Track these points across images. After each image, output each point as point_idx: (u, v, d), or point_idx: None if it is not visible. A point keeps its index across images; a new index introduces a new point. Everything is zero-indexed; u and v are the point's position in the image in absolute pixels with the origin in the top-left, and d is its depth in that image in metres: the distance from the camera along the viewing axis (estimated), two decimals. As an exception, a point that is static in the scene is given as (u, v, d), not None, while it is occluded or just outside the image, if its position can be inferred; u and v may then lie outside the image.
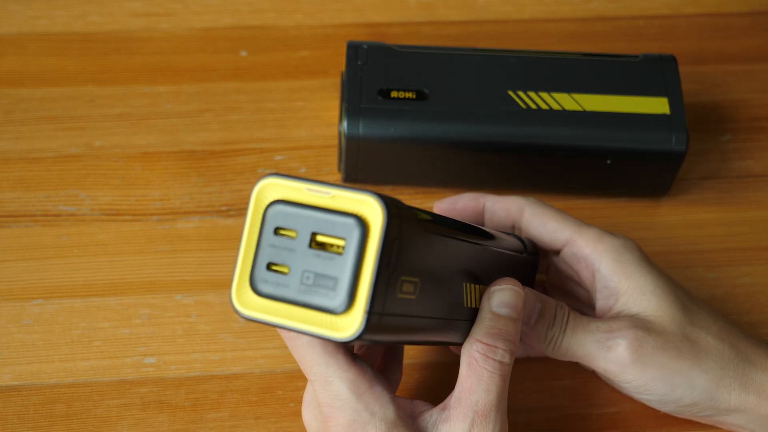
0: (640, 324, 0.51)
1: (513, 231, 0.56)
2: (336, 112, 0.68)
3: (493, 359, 0.46)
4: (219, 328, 0.59)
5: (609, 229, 0.64)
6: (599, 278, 0.53)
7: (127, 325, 0.59)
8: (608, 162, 0.62)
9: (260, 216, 0.40)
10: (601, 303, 0.53)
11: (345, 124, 0.60)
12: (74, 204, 0.63)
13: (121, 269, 0.61)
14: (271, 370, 0.57)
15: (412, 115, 0.61)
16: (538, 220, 0.55)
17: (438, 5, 0.74)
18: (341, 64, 0.70)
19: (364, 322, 0.37)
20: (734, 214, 0.65)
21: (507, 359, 0.46)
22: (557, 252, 0.55)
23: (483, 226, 0.54)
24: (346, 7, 0.74)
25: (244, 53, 0.71)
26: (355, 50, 0.63)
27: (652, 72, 0.63)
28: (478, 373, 0.45)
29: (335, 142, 0.67)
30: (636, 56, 0.64)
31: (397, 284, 0.39)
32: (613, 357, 0.50)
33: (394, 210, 0.38)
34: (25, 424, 0.55)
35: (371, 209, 0.37)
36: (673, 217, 0.65)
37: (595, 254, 0.53)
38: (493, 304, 0.47)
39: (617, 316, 0.52)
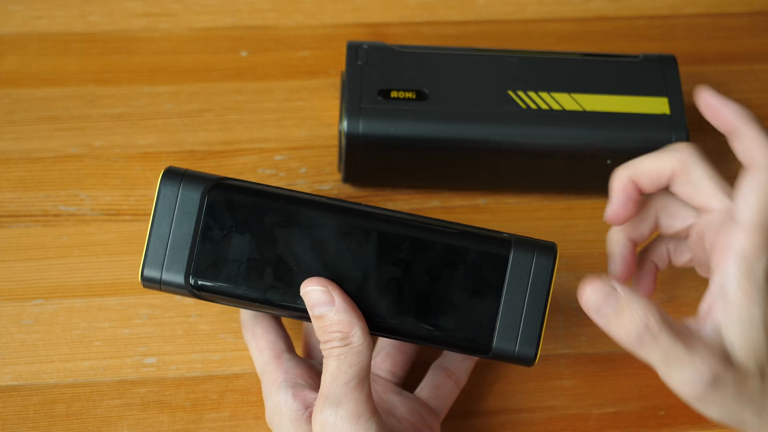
0: (725, 368, 0.47)
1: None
2: (336, 112, 0.68)
3: (330, 350, 0.48)
4: (219, 328, 0.59)
5: (608, 229, 0.64)
6: (720, 276, 0.48)
7: (127, 325, 0.59)
8: (608, 162, 0.62)
9: None
10: (709, 298, 0.49)
11: (345, 124, 0.60)
12: (74, 204, 0.63)
13: (121, 269, 0.61)
14: (271, 370, 0.57)
15: (412, 115, 0.61)
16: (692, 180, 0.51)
17: (438, 5, 0.74)
18: (341, 64, 0.70)
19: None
20: (734, 214, 0.65)
21: (343, 346, 0.48)
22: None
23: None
24: (346, 7, 0.74)
25: (244, 53, 0.71)
26: (355, 50, 0.63)
27: (652, 72, 0.63)
28: (326, 363, 0.48)
29: (335, 142, 0.67)
30: (636, 56, 0.64)
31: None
32: (681, 381, 0.47)
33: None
34: (25, 424, 0.55)
35: None
36: (673, 217, 0.65)
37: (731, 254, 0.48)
38: (309, 308, 0.49)
39: (711, 341, 0.48)
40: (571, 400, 0.58)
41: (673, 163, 0.52)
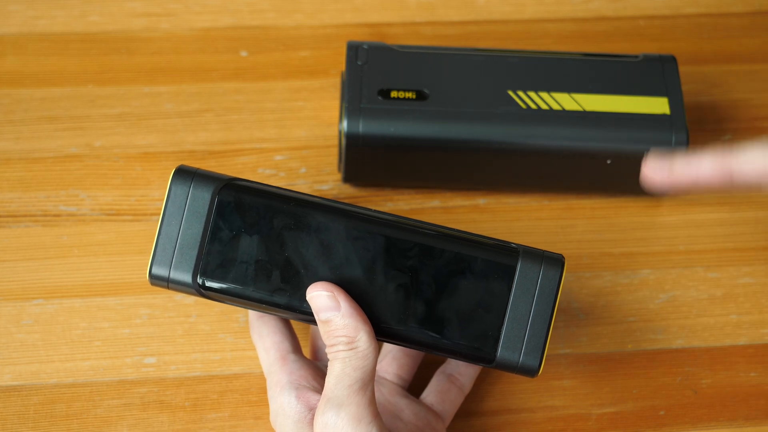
0: None
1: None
2: (336, 112, 0.68)
3: (335, 353, 0.48)
4: (219, 328, 0.59)
5: (608, 229, 0.64)
6: None
7: (127, 325, 0.59)
8: (608, 162, 0.62)
9: None
10: None
11: (345, 123, 0.60)
12: (74, 204, 0.63)
13: (121, 269, 0.61)
14: (271, 370, 0.57)
15: (412, 115, 0.61)
16: None
17: (438, 5, 0.74)
18: (341, 64, 0.70)
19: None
20: (734, 214, 0.65)
21: (349, 350, 0.48)
22: None
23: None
24: (346, 7, 0.74)
25: (244, 53, 0.71)
26: (355, 50, 0.63)
27: (652, 72, 0.63)
28: (331, 365, 0.48)
29: (335, 142, 0.67)
30: (636, 56, 0.64)
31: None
32: None
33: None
34: (25, 424, 0.55)
35: None
36: (673, 217, 0.65)
37: None
38: (315, 312, 0.49)
39: None
40: (571, 400, 0.58)
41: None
